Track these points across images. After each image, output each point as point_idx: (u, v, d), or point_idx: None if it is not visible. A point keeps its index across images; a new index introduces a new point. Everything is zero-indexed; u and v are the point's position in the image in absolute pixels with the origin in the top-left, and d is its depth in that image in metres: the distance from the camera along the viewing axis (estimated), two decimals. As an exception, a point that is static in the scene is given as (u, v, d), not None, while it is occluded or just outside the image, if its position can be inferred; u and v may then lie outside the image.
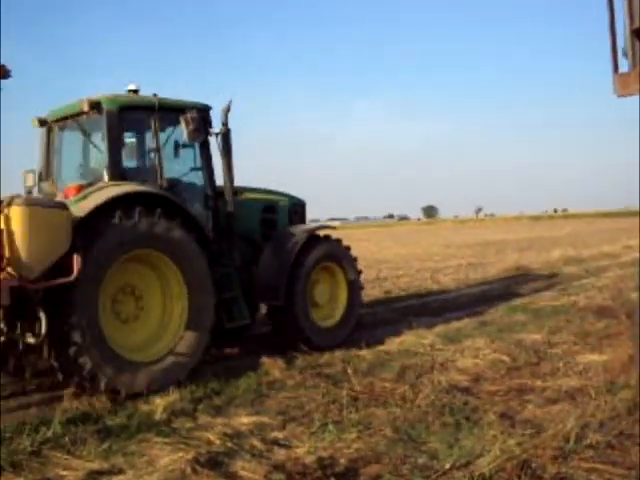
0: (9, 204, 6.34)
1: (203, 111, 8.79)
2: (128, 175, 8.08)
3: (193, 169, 8.98)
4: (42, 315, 6.43)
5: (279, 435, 5.58)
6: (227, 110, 8.87)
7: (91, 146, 8.61)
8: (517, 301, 13.04)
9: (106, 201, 7.12)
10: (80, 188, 7.55)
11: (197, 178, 9.00)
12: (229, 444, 5.32)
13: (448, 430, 5.51)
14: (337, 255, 9.89)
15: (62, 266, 6.54)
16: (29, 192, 8.44)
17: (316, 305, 9.58)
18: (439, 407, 6.09)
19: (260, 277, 9.23)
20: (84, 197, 7.31)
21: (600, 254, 24.03)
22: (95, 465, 4.99)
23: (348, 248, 10.15)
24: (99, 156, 8.30)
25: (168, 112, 8.56)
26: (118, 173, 7.95)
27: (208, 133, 8.89)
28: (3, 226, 6.27)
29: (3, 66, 6.60)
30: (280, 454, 5.12)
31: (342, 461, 4.94)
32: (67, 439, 5.56)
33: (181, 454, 5.01)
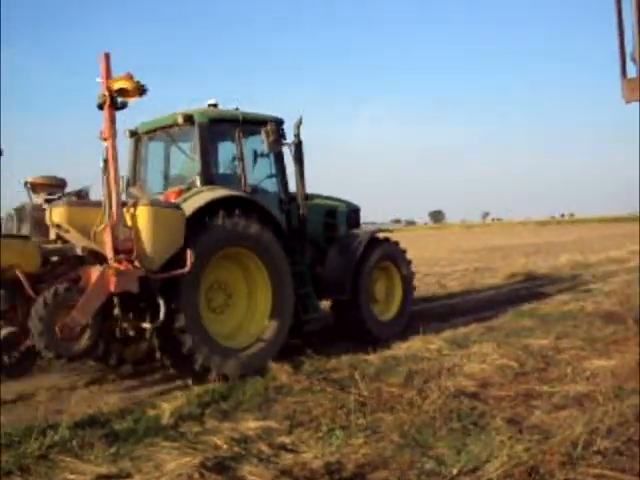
0: (135, 205, 7.31)
1: (279, 124, 9.64)
2: (216, 181, 8.93)
3: (269, 176, 9.93)
4: (161, 302, 7.30)
5: (286, 440, 5.57)
6: (299, 124, 9.82)
7: (177, 154, 9.79)
8: (524, 306, 13.00)
9: (206, 204, 8.05)
10: (180, 192, 8.52)
11: (273, 184, 9.95)
12: (236, 449, 5.32)
13: (455, 435, 5.49)
14: (394, 255, 11.03)
15: (175, 259, 7.49)
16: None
17: (375, 300, 10.62)
18: (446, 412, 6.06)
19: (327, 274, 10.15)
20: (184, 200, 8.17)
21: (607, 259, 23.97)
22: (103, 469, 5.00)
23: (404, 250, 11.25)
24: (190, 164, 9.37)
25: (250, 125, 9.44)
26: (209, 179, 8.83)
27: (283, 144, 9.68)
28: (131, 224, 7.19)
29: None
30: (287, 459, 5.12)
31: (349, 466, 4.94)
32: (75, 443, 5.57)
33: (188, 458, 5.01)
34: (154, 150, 10.04)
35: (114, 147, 7.23)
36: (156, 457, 5.17)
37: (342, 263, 10.14)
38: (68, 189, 8.72)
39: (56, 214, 7.14)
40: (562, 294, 14.47)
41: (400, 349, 9.05)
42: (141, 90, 7.31)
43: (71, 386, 8.12)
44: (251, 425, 5.93)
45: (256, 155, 9.65)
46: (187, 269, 7.40)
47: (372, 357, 8.56)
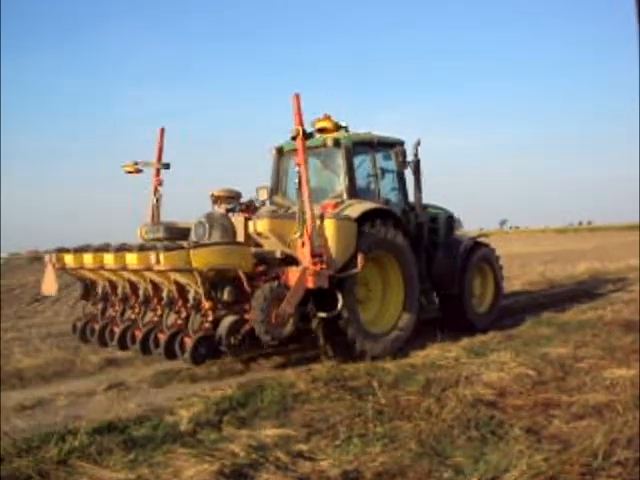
0: (322, 218, 8.86)
1: (403, 145, 11.33)
2: (358, 195, 10.39)
3: (394, 189, 11.51)
4: (339, 296, 8.82)
5: (304, 447, 5.56)
6: (417, 144, 11.25)
7: (319, 170, 11.30)
8: (543, 314, 12.92)
9: (360, 215, 9.45)
10: (336, 205, 9.67)
11: (396, 196, 11.48)
12: (254, 456, 5.32)
13: (474, 444, 5.46)
14: (489, 258, 12.78)
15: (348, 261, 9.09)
16: (263, 203, 10.81)
17: (473, 295, 12.24)
18: (464, 421, 6.04)
19: (437, 273, 11.61)
20: (341, 211, 9.51)
21: (626, 267, 23.84)
22: (121, 475, 5.02)
23: (497, 254, 13.06)
24: (331, 178, 11.01)
25: (381, 146, 11.23)
26: (353, 193, 10.30)
27: (408, 162, 11.26)
28: (320, 233, 8.66)
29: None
30: (305, 467, 5.11)
31: (367, 474, 4.92)
32: (93, 449, 5.58)
33: (206, 465, 5.03)
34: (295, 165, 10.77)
35: (306, 171, 8.64)
36: (174, 464, 5.18)
37: (450, 263, 11.75)
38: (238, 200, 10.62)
39: (260, 224, 8.99)
40: (580, 302, 14.38)
41: (418, 357, 9.05)
42: (338, 127, 9.30)
43: (89, 392, 8.15)
44: (269, 432, 5.92)
45: (385, 171, 11.33)
46: (358, 269, 9.00)
47: (390, 365, 8.56)
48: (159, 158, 11.37)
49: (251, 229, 9.15)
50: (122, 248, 8.80)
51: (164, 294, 8.72)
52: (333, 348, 9.33)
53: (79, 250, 9.56)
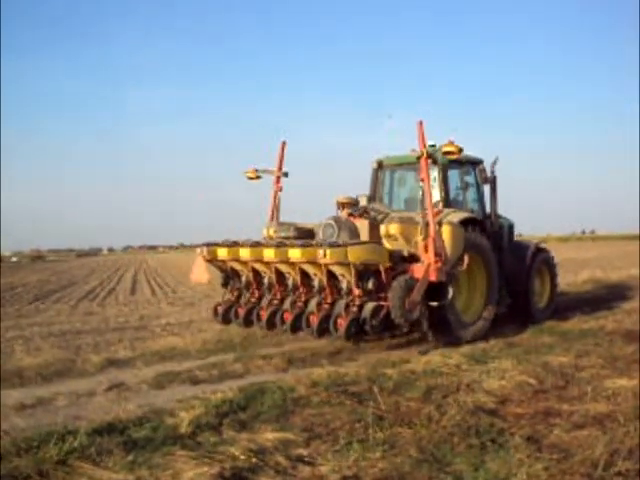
0: (440, 224, 10.50)
1: (482, 163, 12.89)
2: (451, 205, 12.08)
3: (475, 200, 13.21)
4: (450, 288, 10.52)
5: (303, 452, 5.55)
6: (494, 163, 12.66)
7: (411, 182, 13.12)
8: (544, 323, 12.93)
9: (459, 222, 11.07)
10: (438, 212, 10.87)
11: (477, 206, 13.16)
12: (254, 460, 5.31)
13: (474, 452, 5.45)
14: (548, 261, 14.69)
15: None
16: (365, 209, 12.06)
17: (535, 293, 14.04)
18: (465, 428, 6.03)
19: (507, 272, 12.85)
20: (442, 218, 10.88)
21: (628, 277, 23.82)
22: (120, 476, 5.01)
23: (554, 257, 15.07)
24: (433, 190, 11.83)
25: (467, 163, 12.94)
26: (447, 203, 11.96)
27: (488, 177, 12.76)
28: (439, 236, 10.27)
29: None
30: (304, 471, 5.11)
31: (366, 480, 4.92)
32: (93, 450, 5.58)
33: (206, 468, 5.02)
34: (394, 178, 13.57)
35: (429, 186, 10.35)
36: (173, 466, 5.17)
37: (517, 265, 13.45)
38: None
39: (392, 228, 10.76)
40: (582, 311, 14.34)
41: (419, 363, 9.02)
42: (460, 150, 10.36)
43: (89, 392, 8.14)
44: (269, 436, 5.91)
45: (469, 185, 13.07)
46: (464, 267, 10.76)
47: (390, 371, 8.53)
48: (280, 167, 12.93)
49: (383, 231, 10.86)
50: (283, 244, 10.44)
51: (315, 283, 10.20)
52: (434, 333, 10.84)
53: (232, 245, 11.16)
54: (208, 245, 11.57)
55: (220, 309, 11.69)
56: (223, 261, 11.56)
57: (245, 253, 10.85)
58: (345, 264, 9.56)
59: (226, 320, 11.62)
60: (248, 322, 11.16)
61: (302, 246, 9.94)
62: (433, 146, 11.24)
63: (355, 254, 9.47)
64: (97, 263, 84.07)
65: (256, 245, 10.77)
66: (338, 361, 9.75)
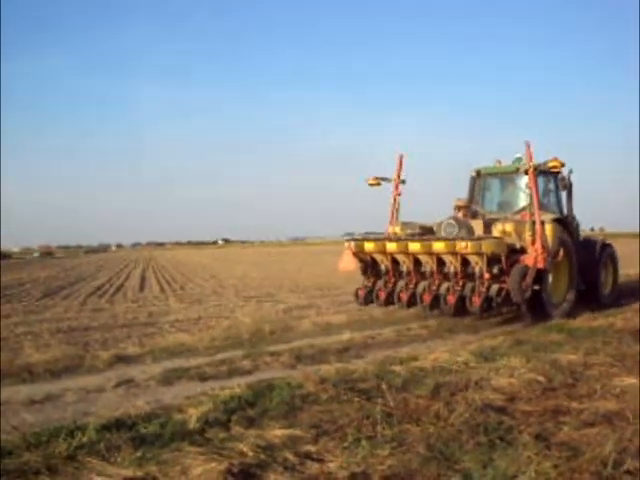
0: (543, 223, 12.76)
1: (561, 172, 14.63)
2: (540, 208, 13.37)
3: (555, 203, 15.33)
4: (549, 275, 13.20)
5: (312, 449, 5.53)
6: (570, 172, 15.05)
7: (505, 188, 15.92)
8: (552, 321, 12.90)
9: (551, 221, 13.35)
10: (531, 215, 12.92)
11: (557, 208, 15.27)
12: (262, 456, 5.30)
13: (482, 450, 5.43)
14: (612, 255, 16.98)
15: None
16: (476, 211, 15.23)
17: (602, 282, 16.12)
18: (473, 426, 6.00)
19: (580, 263, 14.66)
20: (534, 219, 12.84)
21: (637, 275, 23.72)
22: (129, 472, 5.01)
23: (616, 250, 17.37)
24: (520, 195, 15.10)
25: (550, 173, 14.59)
26: (539, 207, 13.07)
27: (566, 184, 15.15)
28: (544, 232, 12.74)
29: None
30: (313, 468, 5.10)
31: (375, 477, 4.89)
32: (102, 445, 5.59)
33: (214, 464, 5.02)
34: (488, 184, 16.04)
35: (537, 193, 13.06)
36: (182, 462, 5.16)
37: (588, 258, 15.35)
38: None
39: (507, 226, 13.18)
40: (591, 309, 14.31)
41: (427, 361, 8.99)
42: (562, 165, 13.23)
43: (98, 388, 8.17)
44: (277, 433, 5.90)
45: (550, 191, 15.32)
46: (560, 258, 13.34)
47: (399, 368, 8.51)
48: (398, 175, 15.05)
49: (499, 229, 13.20)
50: (428, 239, 13.10)
51: (450, 269, 12.76)
52: (531, 312, 13.13)
53: (378, 239, 13.87)
54: (355, 240, 14.17)
55: (361, 293, 14.18)
56: (366, 253, 14.00)
57: (392, 246, 13.35)
58: (479, 254, 12.21)
59: (367, 302, 14.16)
60: (388, 303, 13.82)
61: (447, 240, 12.58)
62: (520, 159, 14.49)
63: (488, 246, 12.14)
64: (105, 260, 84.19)
65: (397, 240, 13.52)
66: (346, 358, 9.75)
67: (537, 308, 13.08)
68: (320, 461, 5.24)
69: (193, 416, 6.38)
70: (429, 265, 13.06)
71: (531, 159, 12.96)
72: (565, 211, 15.29)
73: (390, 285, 13.67)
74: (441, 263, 12.87)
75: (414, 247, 12.91)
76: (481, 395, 7.07)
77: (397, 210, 15.15)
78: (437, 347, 10.40)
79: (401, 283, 13.54)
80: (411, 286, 13.29)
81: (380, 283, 13.89)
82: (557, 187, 15.31)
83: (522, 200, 14.84)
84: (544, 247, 12.50)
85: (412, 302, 13.21)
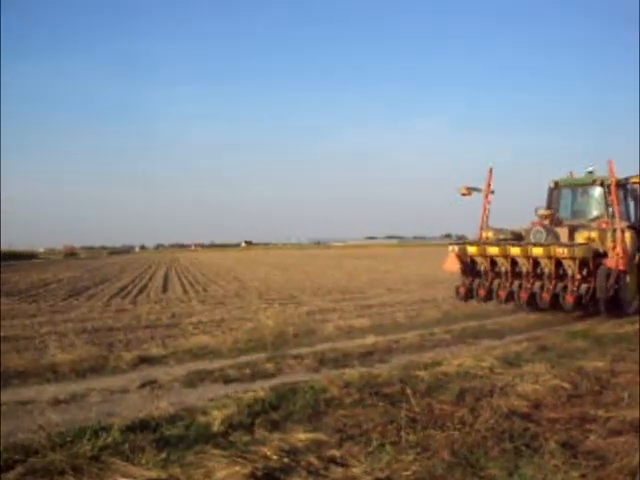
0: (622, 230, 14.12)
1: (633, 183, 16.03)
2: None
3: (624, 212, 15.80)
4: (627, 277, 14.49)
5: (336, 453, 5.51)
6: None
7: (581, 198, 17.18)
8: (577, 326, 12.86)
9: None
10: (608, 223, 14.79)
11: (629, 217, 16.10)
12: (286, 460, 5.29)
13: (507, 457, 5.38)
14: None
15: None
16: (544, 219, 16.30)
17: None
18: (498, 432, 5.95)
19: None
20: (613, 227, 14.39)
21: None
22: (153, 474, 5.01)
23: None
24: (596, 205, 16.57)
25: (624, 185, 15.84)
26: (613, 215, 14.73)
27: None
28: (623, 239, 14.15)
29: None
30: (337, 472, 5.07)
31: (399, 483, 4.88)
32: (126, 446, 5.60)
33: (238, 468, 5.01)
34: (564, 194, 17.31)
35: (618, 204, 14.69)
36: (206, 464, 5.16)
37: None
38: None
39: (592, 233, 14.62)
40: (617, 315, 14.20)
41: (451, 366, 8.95)
42: None
43: (122, 389, 8.20)
44: (301, 437, 5.89)
45: (623, 201, 15.93)
46: (637, 261, 14.82)
47: (423, 373, 8.47)
48: (488, 185, 16.59)
49: (585, 235, 14.69)
50: (526, 243, 14.88)
51: (545, 270, 14.43)
52: (607, 309, 14.37)
53: (479, 243, 15.81)
54: (458, 244, 16.40)
55: (461, 290, 16.06)
56: (468, 255, 15.87)
57: (494, 250, 15.21)
58: (572, 258, 13.78)
59: (467, 298, 16.07)
60: (487, 299, 15.65)
61: (546, 245, 14.31)
62: (592, 172, 16.42)
63: (580, 251, 13.78)
64: (129, 261, 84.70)
65: (497, 244, 15.32)
66: (369, 362, 9.73)
67: (613, 305, 14.41)
68: (344, 466, 5.21)
69: (217, 419, 6.39)
70: (525, 267, 14.81)
71: (613, 174, 14.73)
72: (633, 219, 16.27)
73: (487, 283, 15.49)
74: (535, 265, 14.66)
75: (514, 251, 14.78)
76: (506, 401, 7.03)
77: (487, 217, 16.85)
78: (461, 352, 10.34)
79: (498, 282, 15.34)
80: (507, 284, 15.06)
81: (479, 282, 15.76)
82: (626, 197, 16.33)
83: (595, 209, 16.67)
84: (624, 251, 13.93)
85: (509, 298, 15.15)
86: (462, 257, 16.03)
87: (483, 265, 15.71)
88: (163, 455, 5.41)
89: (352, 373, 8.51)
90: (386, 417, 6.44)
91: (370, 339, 11.65)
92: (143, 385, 8.37)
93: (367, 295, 21.70)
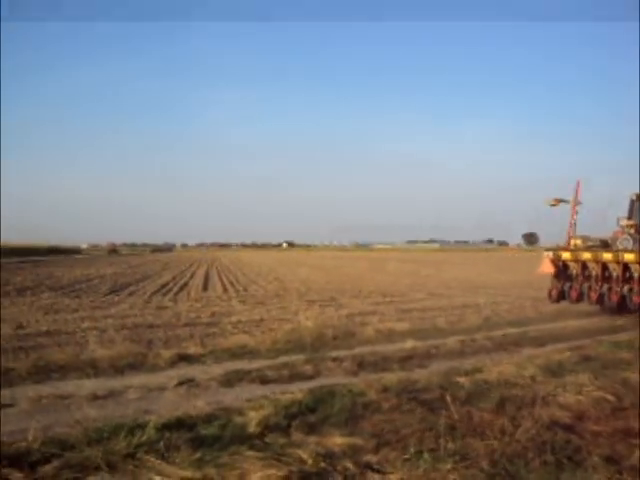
0: None
1: None
2: None
3: None
4: None
5: (372, 459, 5.42)
6: None
7: None
8: (622, 336, 12.55)
9: None
10: None
11: None
12: (322, 464, 5.22)
13: (549, 469, 5.24)
14: None
15: None
16: (630, 228, 17.49)
17: None
18: (539, 443, 5.80)
19: None
20: None
21: None
22: (187, 473, 4.98)
23: None
24: None
25: None
26: None
27: None
28: None
29: None
30: (373, 479, 5.00)
31: (437, 492, 4.78)
32: (161, 445, 5.58)
33: (273, 470, 4.96)
34: None
35: None
36: (241, 466, 5.11)
37: None
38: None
39: None
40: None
41: (492, 373, 8.80)
42: None
43: (160, 387, 8.20)
44: (337, 441, 5.81)
45: None
46: None
47: (463, 380, 8.35)
48: (576, 197, 17.89)
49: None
50: (617, 249, 16.49)
51: (635, 275, 15.61)
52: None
53: (573, 250, 17.45)
54: (554, 250, 17.97)
55: (554, 293, 17.76)
56: (562, 260, 17.63)
57: (586, 255, 16.90)
58: None
59: (559, 300, 17.72)
60: (578, 301, 17.18)
61: (633, 252, 15.73)
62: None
63: None
64: (170, 259, 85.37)
65: (591, 250, 16.99)
66: (409, 367, 9.60)
67: None
68: (381, 472, 5.13)
69: (253, 420, 6.35)
70: (615, 271, 16.17)
71: None
72: None
73: (578, 286, 17.03)
74: (625, 269, 15.98)
75: (606, 256, 16.33)
76: (548, 411, 6.88)
77: (575, 225, 18.27)
78: (502, 360, 10.16)
79: (587, 285, 16.83)
80: (597, 287, 16.49)
81: (570, 285, 17.40)
82: None
83: None
84: None
85: (600, 300, 16.54)
86: (556, 262, 17.78)
87: (575, 269, 17.40)
88: (198, 455, 5.39)
89: (391, 377, 8.41)
90: (424, 424, 6.33)
91: (410, 343, 11.51)
92: (180, 383, 8.35)
93: (408, 299, 21.54)
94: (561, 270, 17.80)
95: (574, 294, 17.16)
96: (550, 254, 17.91)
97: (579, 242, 17.98)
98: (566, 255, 17.54)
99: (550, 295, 17.94)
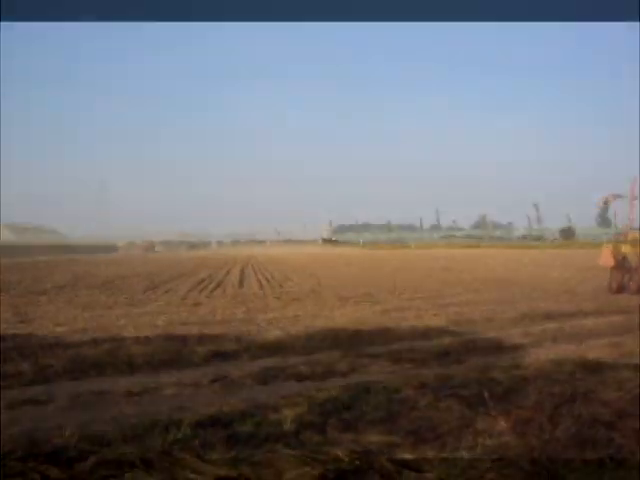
0: None
1: None
2: None
3: None
4: None
5: (409, 457, 5.36)
6: None
7: None
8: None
9: None
10: None
11: None
12: (357, 462, 5.16)
13: (590, 469, 5.12)
14: None
15: None
16: None
17: None
18: (580, 442, 5.70)
19: None
20: None
21: None
22: (222, 471, 4.96)
23: None
24: None
25: None
26: None
27: None
28: None
29: None
30: (410, 477, 4.92)
31: (475, 492, 4.70)
32: (196, 442, 5.58)
33: (308, 469, 4.92)
34: None
35: None
36: (276, 464, 5.08)
37: None
38: None
39: None
40: None
41: (529, 369, 8.67)
42: None
43: (194, 383, 8.19)
44: (373, 438, 5.75)
45: None
46: None
47: (501, 376, 8.22)
48: (633, 191, 20.25)
49: None
50: None
51: None
52: None
53: (634, 243, 18.73)
54: (613, 243, 19.32)
55: (614, 285, 19.04)
56: (621, 253, 18.89)
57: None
58: None
59: (619, 291, 18.80)
60: (638, 291, 18.31)
61: None
62: None
63: None
64: (206, 256, 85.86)
65: None
66: (445, 363, 9.49)
67: None
68: (418, 471, 5.05)
69: (288, 417, 6.32)
70: None
71: None
72: None
73: (637, 277, 18.55)
74: None
75: None
76: (588, 409, 6.73)
77: (632, 221, 20.44)
78: (540, 355, 9.99)
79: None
80: None
81: (629, 277, 18.83)
82: None
83: None
84: None
85: None
86: (615, 254, 19.28)
87: (634, 261, 18.87)
88: (233, 453, 5.36)
89: (427, 374, 8.32)
90: (462, 421, 6.25)
91: (446, 339, 11.41)
92: (215, 380, 8.35)
93: (443, 294, 21.36)
94: (620, 262, 19.17)
95: (634, 285, 18.57)
96: (610, 247, 19.38)
97: (638, 235, 19.27)
98: (626, 248, 18.93)
99: (610, 287, 19.21)
